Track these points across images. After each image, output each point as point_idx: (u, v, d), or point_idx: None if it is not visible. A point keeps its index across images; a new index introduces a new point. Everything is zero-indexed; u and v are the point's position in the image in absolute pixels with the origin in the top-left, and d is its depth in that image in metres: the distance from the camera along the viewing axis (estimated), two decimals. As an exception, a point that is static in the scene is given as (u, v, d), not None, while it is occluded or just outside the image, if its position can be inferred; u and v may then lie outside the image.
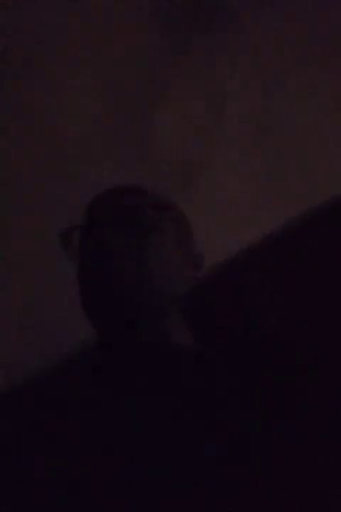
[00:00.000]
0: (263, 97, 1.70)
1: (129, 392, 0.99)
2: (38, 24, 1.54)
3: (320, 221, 1.33)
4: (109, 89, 1.61)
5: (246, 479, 0.93)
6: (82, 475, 0.92)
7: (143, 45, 1.63)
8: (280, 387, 1.06)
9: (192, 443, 0.94)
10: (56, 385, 1.16)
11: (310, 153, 1.71)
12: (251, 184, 1.65)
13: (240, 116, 1.68)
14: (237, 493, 0.92)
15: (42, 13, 1.54)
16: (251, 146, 1.68)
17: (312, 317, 1.19)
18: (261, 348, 1.13)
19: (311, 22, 1.74)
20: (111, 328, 1.02)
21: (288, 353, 1.13)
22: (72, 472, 0.93)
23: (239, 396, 1.00)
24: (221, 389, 1.00)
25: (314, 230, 1.31)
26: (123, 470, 0.92)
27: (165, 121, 1.64)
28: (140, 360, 1.02)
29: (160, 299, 1.01)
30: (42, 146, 1.55)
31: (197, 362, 1.03)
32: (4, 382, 1.39)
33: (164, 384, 1.00)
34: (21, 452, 1.01)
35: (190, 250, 1.07)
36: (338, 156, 1.72)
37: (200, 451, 0.94)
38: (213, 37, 1.67)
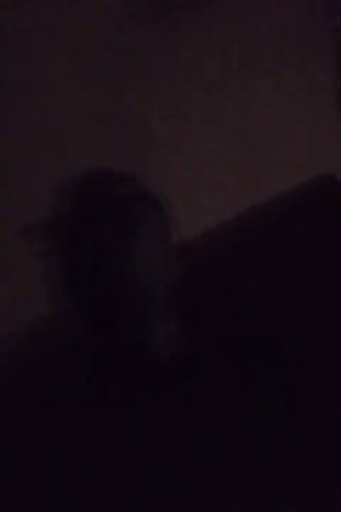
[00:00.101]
0: (239, 80, 1.73)
1: (120, 395, 0.97)
2: (38, 24, 1.54)
3: (307, 207, 1.32)
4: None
5: (246, 479, 0.92)
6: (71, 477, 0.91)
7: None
8: (272, 377, 1.05)
9: (191, 443, 0.93)
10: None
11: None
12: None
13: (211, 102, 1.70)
14: (237, 492, 0.91)
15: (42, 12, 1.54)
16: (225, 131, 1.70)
17: (303, 306, 1.18)
18: (251, 337, 1.11)
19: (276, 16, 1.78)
20: (95, 328, 0.97)
21: (278, 341, 1.11)
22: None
23: (231, 393, 0.99)
24: (211, 391, 0.98)
25: (303, 216, 1.30)
26: (118, 471, 0.91)
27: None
28: (126, 364, 0.98)
29: (146, 299, 0.96)
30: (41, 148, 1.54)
31: (185, 372, 1.01)
32: None
33: (150, 389, 0.98)
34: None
35: (174, 243, 1.02)
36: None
37: (198, 451, 0.93)
38: (197, 15, 1.68)
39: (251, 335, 1.11)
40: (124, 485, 0.89)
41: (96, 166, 1.02)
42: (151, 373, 0.98)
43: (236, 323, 1.15)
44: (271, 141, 1.77)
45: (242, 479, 0.93)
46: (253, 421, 0.99)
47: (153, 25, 1.65)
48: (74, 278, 0.96)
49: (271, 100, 1.84)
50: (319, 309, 1.18)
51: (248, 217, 1.31)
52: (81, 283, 0.96)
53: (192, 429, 0.95)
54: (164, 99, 1.68)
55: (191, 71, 1.71)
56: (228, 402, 1.00)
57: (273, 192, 1.39)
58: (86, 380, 1.00)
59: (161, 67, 1.67)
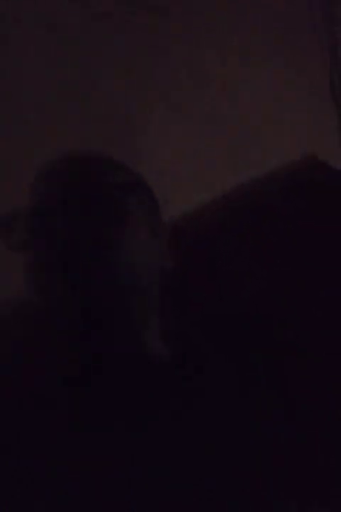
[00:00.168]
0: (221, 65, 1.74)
1: (119, 395, 0.94)
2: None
3: (294, 186, 1.32)
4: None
5: (246, 479, 0.91)
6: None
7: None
8: (261, 356, 1.03)
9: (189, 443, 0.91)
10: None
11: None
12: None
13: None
14: (237, 492, 0.90)
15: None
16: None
17: (290, 284, 1.17)
18: (239, 316, 1.09)
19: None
20: (84, 325, 0.88)
21: (266, 320, 1.10)
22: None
23: (220, 375, 0.97)
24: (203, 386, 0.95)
25: (290, 195, 1.29)
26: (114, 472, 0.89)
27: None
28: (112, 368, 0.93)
29: (133, 300, 0.90)
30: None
31: (173, 375, 0.96)
32: None
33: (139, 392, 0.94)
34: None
35: (162, 236, 0.97)
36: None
37: (196, 452, 0.91)
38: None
39: (239, 314, 1.09)
40: (124, 485, 0.87)
41: (79, 150, 0.94)
42: (147, 369, 0.95)
43: (223, 302, 1.13)
44: (260, 127, 1.78)
45: (242, 479, 0.91)
46: (243, 403, 0.97)
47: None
48: (56, 271, 0.87)
49: (263, 88, 1.85)
50: (306, 288, 1.17)
51: (235, 196, 1.30)
52: (64, 277, 0.86)
53: (186, 417, 0.93)
54: (151, 86, 1.69)
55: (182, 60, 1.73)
56: (217, 383, 0.98)
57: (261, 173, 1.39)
58: (74, 380, 0.95)
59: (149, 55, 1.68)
